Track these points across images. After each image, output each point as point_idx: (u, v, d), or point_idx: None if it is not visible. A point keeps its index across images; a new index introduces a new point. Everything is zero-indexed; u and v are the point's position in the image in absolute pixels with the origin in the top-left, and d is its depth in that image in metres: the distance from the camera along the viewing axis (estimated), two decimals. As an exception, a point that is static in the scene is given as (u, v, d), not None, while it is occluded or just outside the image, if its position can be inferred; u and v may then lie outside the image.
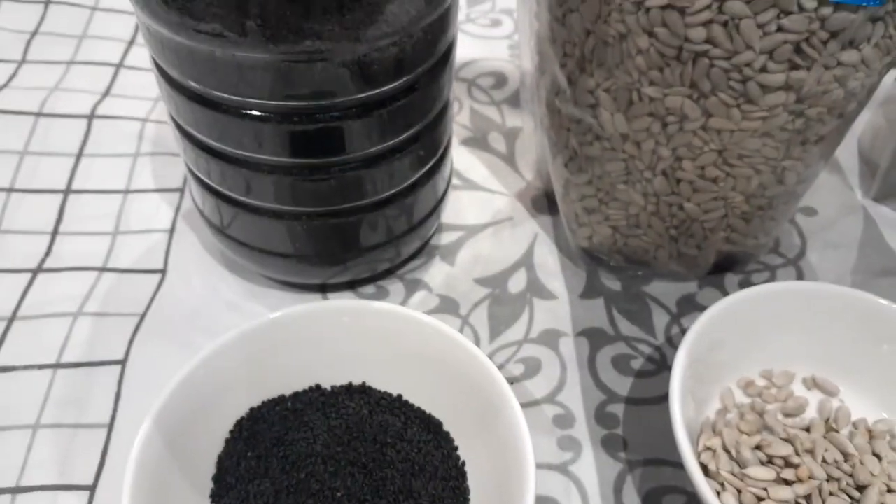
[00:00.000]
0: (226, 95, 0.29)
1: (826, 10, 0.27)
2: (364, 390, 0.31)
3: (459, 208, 0.39)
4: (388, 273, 0.36)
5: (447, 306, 0.35)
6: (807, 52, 0.27)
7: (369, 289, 0.36)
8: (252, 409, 0.30)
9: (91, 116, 0.43)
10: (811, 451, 0.29)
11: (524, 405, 0.31)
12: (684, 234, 0.34)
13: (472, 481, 0.29)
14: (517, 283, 0.36)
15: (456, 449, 0.29)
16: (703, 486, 0.26)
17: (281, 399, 0.30)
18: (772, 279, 0.37)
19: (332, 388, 0.31)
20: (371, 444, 0.29)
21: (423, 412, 0.30)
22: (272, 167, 0.31)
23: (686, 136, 0.30)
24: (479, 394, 0.28)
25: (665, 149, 0.31)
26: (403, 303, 0.35)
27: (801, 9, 0.27)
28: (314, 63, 0.27)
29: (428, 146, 0.33)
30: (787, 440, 0.29)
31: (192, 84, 0.29)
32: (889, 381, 0.32)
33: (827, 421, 0.31)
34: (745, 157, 0.31)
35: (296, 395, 0.31)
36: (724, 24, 0.27)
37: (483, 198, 0.40)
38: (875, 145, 0.42)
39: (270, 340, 0.30)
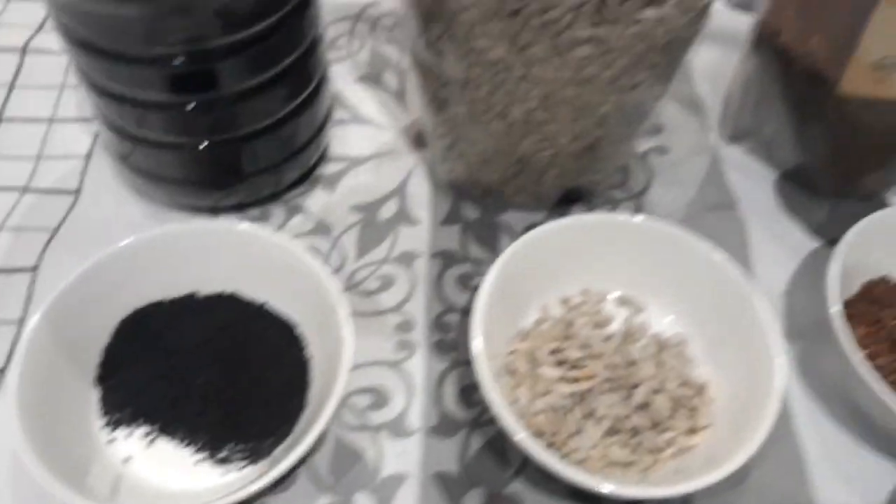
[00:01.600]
0: (108, 44, 0.33)
1: (621, -25, 0.30)
2: (233, 299, 0.36)
3: (347, 141, 0.44)
4: (273, 198, 0.41)
5: (321, 229, 0.40)
6: (607, 10, 0.31)
7: (254, 212, 0.41)
8: (136, 310, 0.36)
9: (24, 50, 0.47)
10: (600, 356, 0.35)
11: (373, 314, 0.37)
12: (523, 170, 0.39)
13: (314, 372, 0.34)
14: (388, 211, 0.41)
15: (304, 348, 0.35)
16: (484, 376, 0.31)
17: (161, 303, 0.36)
18: (613, 212, 0.42)
19: (206, 296, 0.37)
20: (233, 343, 0.35)
21: (282, 318, 0.36)
22: (157, 104, 0.35)
23: (513, 84, 0.34)
24: (320, 301, 0.34)
25: (498, 94, 0.35)
26: (283, 225, 0.40)
27: (600, -27, 0.30)
28: (181, 13, 0.32)
29: (298, 81, 0.38)
30: (584, 346, 0.35)
31: (80, 33, 0.33)
32: (687, 301, 0.37)
33: (627, 333, 0.36)
34: (565, 103, 0.35)
35: (174, 300, 0.36)
36: (536, -16, 0.31)
37: (370, 132, 0.45)
38: (734, 90, 0.46)
39: (151, 252, 0.35)
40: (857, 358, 0.33)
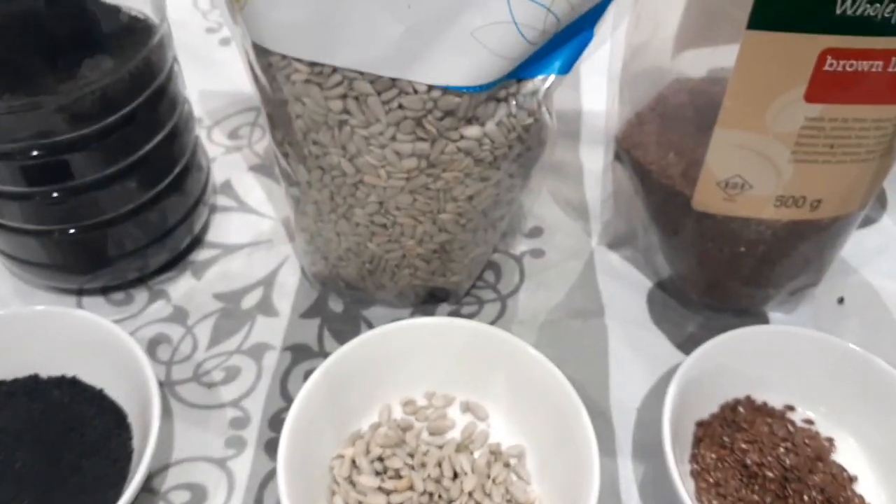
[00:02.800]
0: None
1: (436, 93, 0.31)
2: (73, 382, 0.37)
3: (227, 229, 0.45)
4: (140, 282, 0.42)
5: (177, 316, 0.40)
6: (426, 127, 0.32)
7: (119, 295, 0.41)
8: (-30, 390, 0.36)
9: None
10: (424, 466, 0.34)
11: (212, 407, 0.37)
12: (377, 269, 0.39)
13: (134, 464, 0.34)
14: (250, 300, 0.41)
15: (131, 438, 0.35)
16: (281, 486, 0.30)
17: (0, 383, 0.36)
18: (479, 312, 0.42)
19: (48, 378, 0.37)
20: (60, 427, 0.35)
21: (115, 405, 0.36)
22: (11, 195, 0.37)
23: (351, 189, 0.35)
24: (143, 394, 0.34)
25: (338, 198, 0.36)
26: (143, 309, 0.41)
27: (416, 91, 0.31)
28: (24, 113, 0.33)
29: (159, 168, 0.39)
30: (411, 454, 0.34)
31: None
32: (526, 413, 0.36)
33: (464, 441, 0.36)
34: (402, 209, 0.35)
35: (15, 380, 0.37)
36: (357, 99, 0.32)
37: (251, 220, 0.45)
38: (606, 197, 0.46)
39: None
40: (682, 495, 0.32)
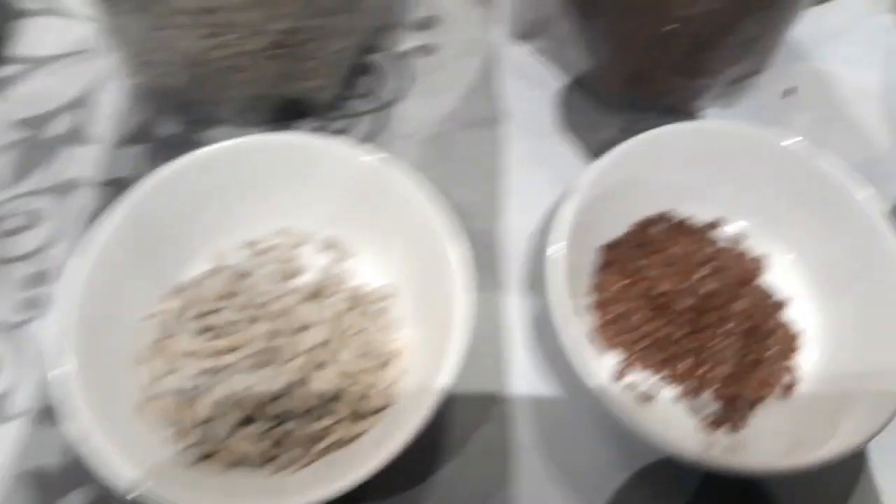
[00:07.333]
0: None
1: None
2: None
3: (36, 37, 0.35)
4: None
5: (-32, 150, 0.32)
6: None
7: None
8: None
9: None
10: (259, 320, 0.27)
11: (5, 261, 0.30)
12: (205, 74, 0.30)
13: None
14: (57, 127, 0.33)
15: None
16: (72, 361, 0.24)
17: None
18: (353, 126, 0.33)
19: None
20: None
21: None
22: None
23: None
24: None
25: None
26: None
27: None
28: None
29: None
30: (245, 307, 0.28)
31: None
32: (397, 246, 0.29)
33: (318, 287, 0.29)
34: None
35: None
36: None
37: (66, 25, 0.36)
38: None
39: None
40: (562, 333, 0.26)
